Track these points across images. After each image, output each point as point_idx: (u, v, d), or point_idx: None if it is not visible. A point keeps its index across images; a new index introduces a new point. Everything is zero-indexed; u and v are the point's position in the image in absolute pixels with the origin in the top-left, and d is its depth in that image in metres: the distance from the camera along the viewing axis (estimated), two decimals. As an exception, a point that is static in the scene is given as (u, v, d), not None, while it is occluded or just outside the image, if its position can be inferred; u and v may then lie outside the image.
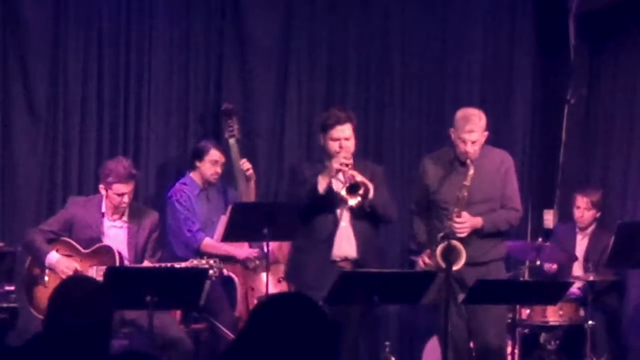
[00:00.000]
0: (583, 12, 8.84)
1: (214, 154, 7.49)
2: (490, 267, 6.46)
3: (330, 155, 6.43)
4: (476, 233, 6.39)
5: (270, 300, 3.16)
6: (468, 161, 6.34)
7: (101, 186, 6.79)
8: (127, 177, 6.73)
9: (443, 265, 6.27)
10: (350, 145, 6.42)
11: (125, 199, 6.75)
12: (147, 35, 7.99)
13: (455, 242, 6.31)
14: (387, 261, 8.01)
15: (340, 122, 6.42)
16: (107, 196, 6.76)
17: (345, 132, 6.42)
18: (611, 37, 8.87)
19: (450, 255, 6.28)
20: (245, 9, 8.26)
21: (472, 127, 6.37)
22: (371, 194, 6.34)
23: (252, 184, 7.61)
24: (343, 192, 6.31)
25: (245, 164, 7.58)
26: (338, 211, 6.45)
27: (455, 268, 6.30)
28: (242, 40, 8.27)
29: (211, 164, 7.47)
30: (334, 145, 6.41)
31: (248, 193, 7.54)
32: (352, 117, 6.56)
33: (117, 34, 7.90)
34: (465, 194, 6.32)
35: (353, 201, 6.31)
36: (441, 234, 6.39)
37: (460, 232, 6.33)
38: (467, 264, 6.36)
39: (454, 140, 6.44)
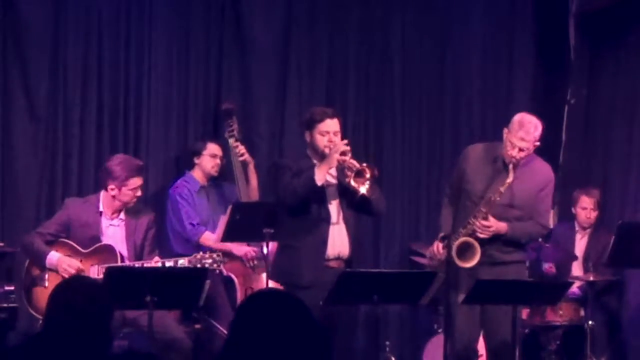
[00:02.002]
0: (583, 12, 8.85)
1: (212, 148, 7.57)
2: (509, 268, 6.41)
3: (317, 151, 6.34)
4: (496, 238, 6.36)
5: (252, 297, 3.16)
6: (510, 166, 6.27)
7: (112, 186, 6.75)
8: (139, 169, 6.80)
9: (456, 260, 6.24)
10: (338, 141, 6.32)
11: (139, 192, 6.78)
12: (147, 35, 7.99)
13: (472, 240, 6.28)
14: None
15: (329, 116, 6.35)
16: (118, 194, 6.74)
17: (334, 126, 6.34)
18: (611, 37, 8.87)
19: (464, 252, 6.26)
20: (245, 9, 8.26)
21: (523, 135, 6.28)
22: (376, 175, 6.29)
23: (252, 167, 7.62)
24: (352, 182, 6.20)
25: (239, 148, 7.57)
26: (330, 207, 6.37)
27: (466, 265, 6.27)
28: (242, 40, 8.27)
29: (211, 157, 7.55)
30: (322, 140, 6.31)
31: (248, 194, 7.54)
32: (339, 114, 6.52)
33: (117, 33, 7.90)
34: (499, 198, 6.26)
35: (363, 188, 6.18)
36: (442, 234, 6.37)
37: (482, 234, 6.30)
38: (485, 263, 6.33)
39: (504, 141, 6.37)
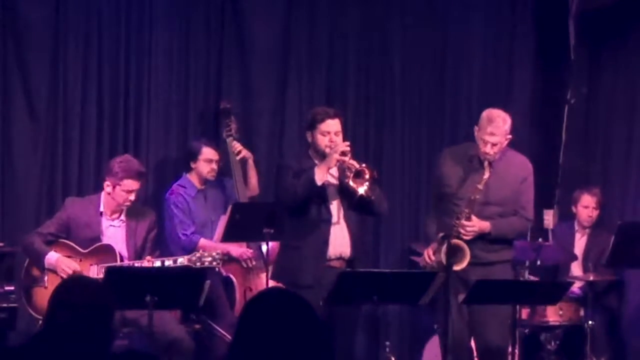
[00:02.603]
0: (583, 12, 8.84)
1: (207, 152, 7.52)
2: (495, 268, 6.42)
3: (318, 151, 6.36)
4: (482, 237, 6.37)
5: (259, 296, 3.16)
6: (485, 163, 6.30)
7: (107, 182, 6.76)
8: (138, 174, 6.77)
9: (444, 262, 6.24)
10: (340, 140, 6.34)
11: (132, 196, 6.75)
12: (147, 35, 7.98)
13: (460, 242, 6.28)
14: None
15: (330, 116, 6.38)
16: (112, 192, 6.73)
17: (336, 127, 6.36)
18: (611, 37, 8.87)
19: (454, 254, 6.26)
20: (245, 9, 8.26)
21: (493, 130, 6.32)
22: (376, 176, 6.30)
23: (251, 162, 7.58)
24: (351, 182, 6.22)
25: (236, 146, 7.54)
26: (331, 207, 6.37)
27: (457, 268, 6.27)
28: (242, 40, 8.27)
29: (206, 162, 7.50)
30: (323, 140, 6.33)
31: (245, 194, 7.53)
32: (340, 114, 6.54)
33: (117, 34, 7.89)
34: (478, 196, 6.28)
35: (362, 189, 6.20)
36: (441, 234, 6.37)
37: (466, 235, 6.30)
38: (472, 263, 6.33)
39: (476, 139, 6.40)
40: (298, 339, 2.99)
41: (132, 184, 6.74)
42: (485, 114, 6.43)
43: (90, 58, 7.81)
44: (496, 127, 6.33)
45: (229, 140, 7.65)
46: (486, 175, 6.26)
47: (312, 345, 3.01)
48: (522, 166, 6.56)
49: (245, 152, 7.63)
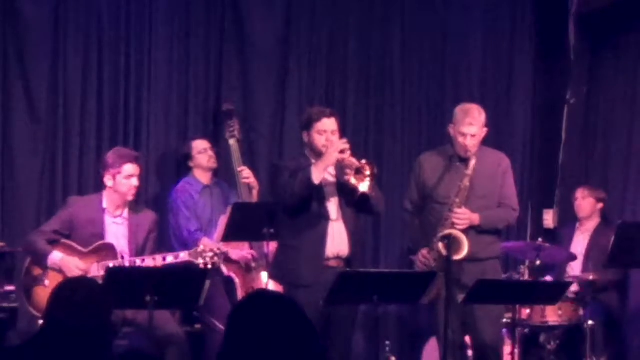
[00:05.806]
0: (583, 12, 8.85)
1: (198, 144, 7.58)
2: (486, 264, 6.45)
3: (315, 151, 6.32)
4: (473, 229, 6.39)
5: (243, 303, 3.14)
6: (469, 153, 6.33)
7: (107, 176, 6.75)
8: (134, 157, 6.77)
9: (445, 253, 6.24)
10: (336, 140, 6.29)
11: (135, 181, 6.71)
12: (147, 35, 8.00)
13: (456, 232, 6.29)
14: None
15: (326, 115, 6.33)
16: (114, 185, 6.71)
17: (332, 125, 6.32)
18: (611, 37, 8.87)
19: (451, 247, 6.26)
20: (245, 9, 8.27)
21: (471, 121, 6.36)
22: (376, 172, 6.28)
23: (255, 193, 7.55)
24: (352, 180, 6.19)
25: (244, 172, 7.55)
26: (328, 206, 6.34)
27: (457, 257, 6.27)
28: (242, 40, 8.27)
29: (201, 154, 7.55)
30: (320, 139, 6.28)
31: (246, 197, 7.52)
32: (337, 113, 6.52)
33: (117, 34, 7.90)
34: (468, 184, 6.30)
35: (364, 185, 6.14)
36: (442, 234, 6.37)
37: (459, 224, 6.32)
38: (464, 260, 6.35)
39: (454, 136, 6.42)
40: (288, 343, 2.96)
41: (131, 168, 6.72)
42: (459, 108, 6.49)
43: (90, 58, 7.82)
44: (473, 117, 6.38)
45: (231, 141, 7.64)
46: (473, 161, 6.28)
47: (303, 349, 2.99)
48: (500, 160, 6.62)
49: (252, 181, 7.59)
